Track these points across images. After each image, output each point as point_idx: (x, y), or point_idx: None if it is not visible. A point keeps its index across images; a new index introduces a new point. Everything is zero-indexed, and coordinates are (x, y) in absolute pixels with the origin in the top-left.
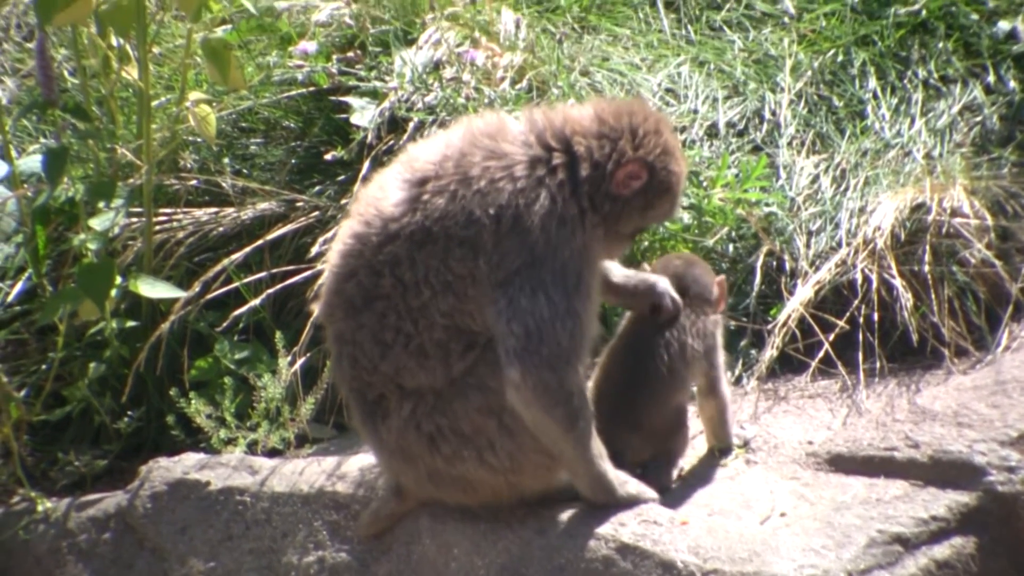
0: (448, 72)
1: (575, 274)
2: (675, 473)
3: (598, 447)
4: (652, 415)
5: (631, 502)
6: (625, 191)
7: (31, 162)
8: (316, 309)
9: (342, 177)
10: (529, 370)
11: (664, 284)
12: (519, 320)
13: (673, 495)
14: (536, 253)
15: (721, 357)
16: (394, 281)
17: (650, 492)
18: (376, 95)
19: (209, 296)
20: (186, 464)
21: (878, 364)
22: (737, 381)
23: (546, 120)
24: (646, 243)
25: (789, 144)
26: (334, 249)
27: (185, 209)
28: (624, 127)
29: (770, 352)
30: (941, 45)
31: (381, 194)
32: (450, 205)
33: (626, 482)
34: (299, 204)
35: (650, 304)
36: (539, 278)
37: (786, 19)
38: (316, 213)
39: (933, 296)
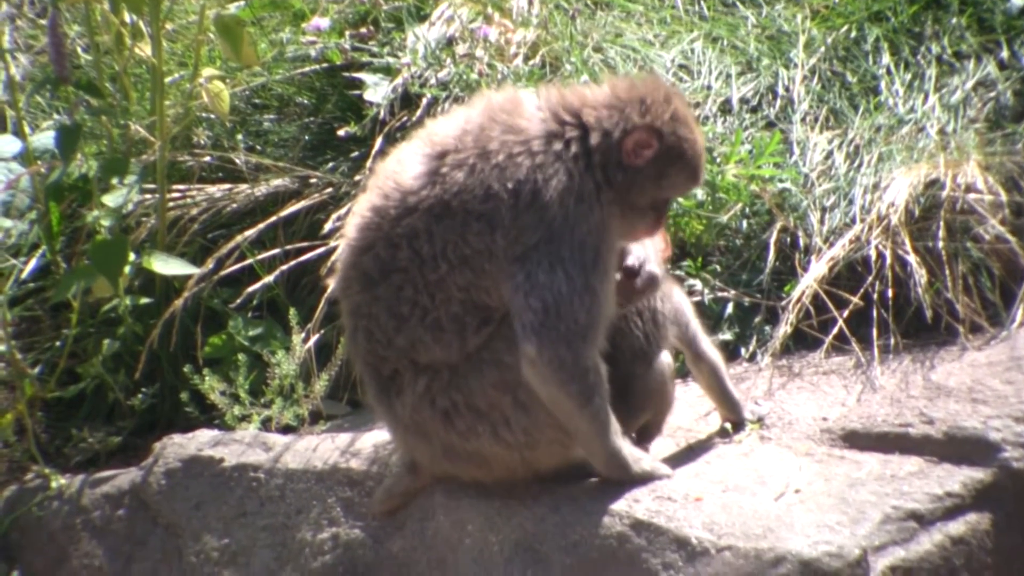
0: (461, 48)
1: (593, 251)
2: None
3: (613, 424)
4: (639, 379)
5: (645, 478)
6: (637, 160)
7: (44, 139)
8: (332, 284)
9: (355, 153)
10: (545, 345)
11: (639, 248)
12: (537, 295)
13: (687, 471)
14: (554, 229)
15: (691, 316)
16: (411, 254)
17: (664, 468)
18: (389, 71)
19: (223, 273)
20: (200, 441)
21: (892, 340)
22: (751, 358)
23: (560, 96)
24: None
25: (803, 120)
26: (351, 223)
27: (198, 186)
28: (633, 97)
29: (784, 329)
30: (955, 21)
31: (400, 167)
32: (469, 179)
33: (640, 459)
34: (312, 180)
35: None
36: (557, 254)
37: None
38: (329, 189)
39: (947, 272)
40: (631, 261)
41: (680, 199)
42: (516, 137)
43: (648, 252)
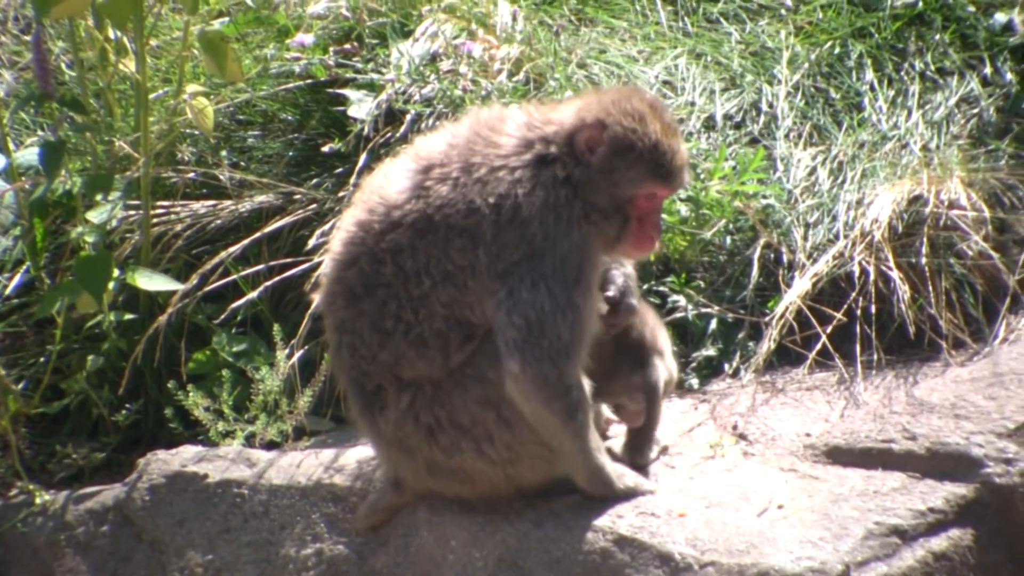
0: (445, 64)
1: (575, 267)
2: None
3: (596, 440)
4: (647, 373)
5: (629, 494)
6: (592, 158)
7: (29, 155)
8: (316, 299)
9: (339, 170)
10: (529, 362)
11: (619, 278)
12: (520, 312)
13: (670, 487)
14: (535, 245)
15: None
16: (396, 269)
17: (648, 484)
18: (373, 88)
19: (207, 289)
20: (184, 457)
21: (875, 356)
22: (735, 373)
23: (540, 110)
24: None
25: (786, 136)
26: (336, 237)
27: (183, 202)
28: (593, 101)
29: (768, 344)
30: (938, 37)
31: (386, 182)
32: (452, 193)
33: (624, 475)
34: (297, 197)
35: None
36: (539, 270)
37: (783, 11)
38: (314, 206)
39: (931, 288)
40: (611, 292)
41: (665, 215)
42: (497, 151)
43: (628, 283)
